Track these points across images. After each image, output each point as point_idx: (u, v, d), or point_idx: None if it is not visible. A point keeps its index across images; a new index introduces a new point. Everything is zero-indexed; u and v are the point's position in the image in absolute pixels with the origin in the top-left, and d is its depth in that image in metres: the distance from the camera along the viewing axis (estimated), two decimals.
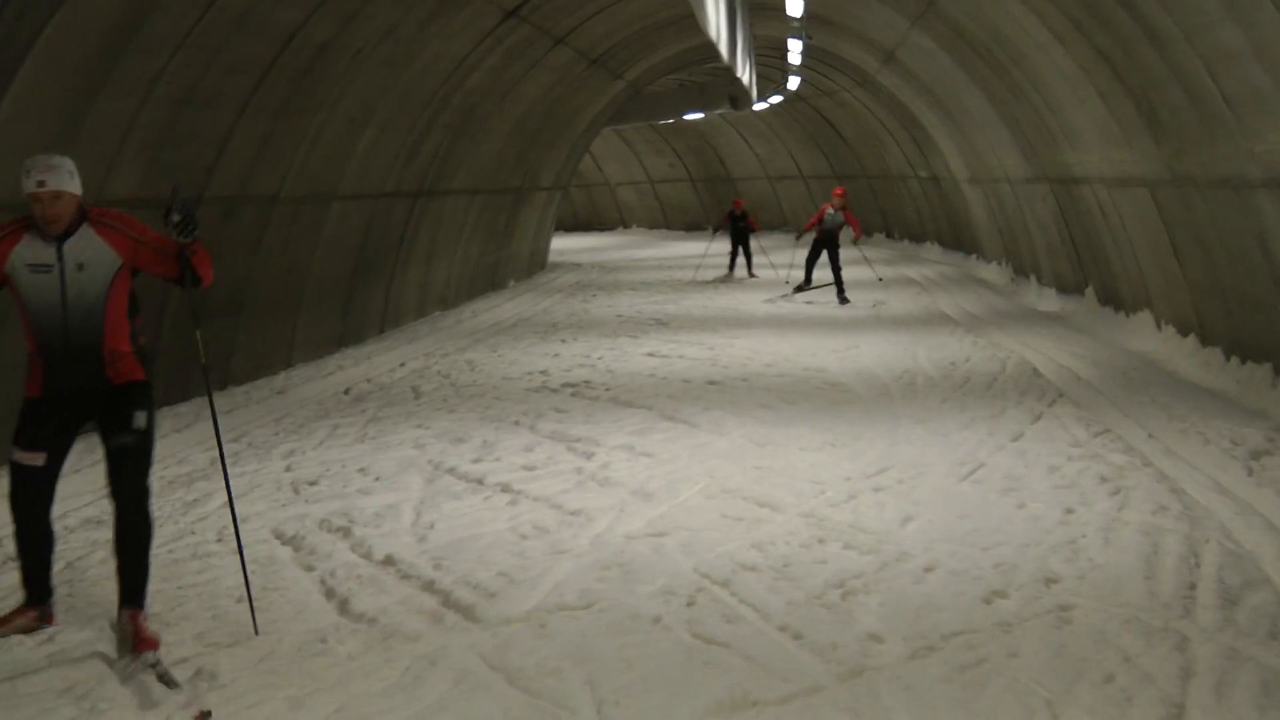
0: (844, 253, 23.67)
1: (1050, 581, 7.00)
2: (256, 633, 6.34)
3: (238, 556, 6.93)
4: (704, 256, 32.60)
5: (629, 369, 15.34)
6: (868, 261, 24.37)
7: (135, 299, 6.45)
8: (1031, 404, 12.52)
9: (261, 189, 13.96)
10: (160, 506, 8.91)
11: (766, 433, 11.32)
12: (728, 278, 28.78)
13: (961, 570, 7.23)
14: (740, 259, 29.64)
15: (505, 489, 9.34)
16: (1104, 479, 9.35)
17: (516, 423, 12.02)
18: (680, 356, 16.30)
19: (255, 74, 12.82)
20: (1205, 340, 14.27)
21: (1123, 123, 15.16)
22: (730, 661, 5.95)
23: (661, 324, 20.23)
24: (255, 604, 6.61)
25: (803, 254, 25.52)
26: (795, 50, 29.34)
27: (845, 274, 23.21)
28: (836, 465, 10.00)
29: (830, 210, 23.21)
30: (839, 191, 23.41)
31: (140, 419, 6.32)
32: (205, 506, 9.00)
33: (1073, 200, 19.14)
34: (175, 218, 6.26)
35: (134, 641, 6.09)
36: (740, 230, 29.10)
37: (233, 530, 7.60)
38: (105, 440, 6.35)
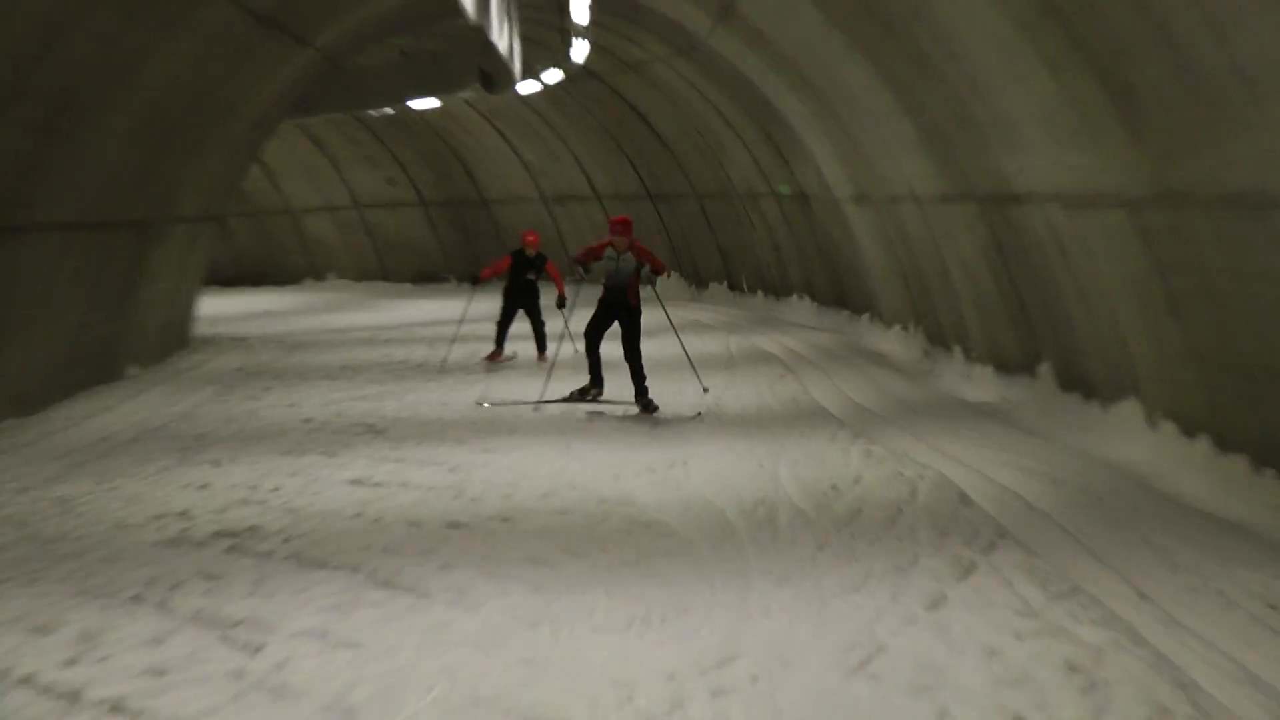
0: (645, 317, 22.59)
1: None
2: None
3: None
4: (461, 323, 32.00)
5: (321, 507, 15.22)
6: (694, 369, 24.17)
7: None
8: (958, 550, 12.66)
9: None
10: None
11: (541, 604, 11.27)
12: (495, 359, 28.26)
13: None
14: (518, 327, 28.56)
15: (117, 708, 9.14)
16: (1072, 668, 9.44)
17: (137, 598, 11.79)
18: (404, 484, 16.25)
19: None
20: (1222, 444, 14.55)
21: (1083, 109, 15.46)
22: None
23: (376, 432, 20.19)
24: None
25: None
26: (582, 3, 29.67)
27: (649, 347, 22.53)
28: (652, 655, 9.97)
29: (612, 251, 21.40)
30: (620, 220, 21.71)
31: None
32: None
33: (1013, 230, 19.49)
34: None
35: None
36: (528, 285, 27.85)
37: None
38: None
